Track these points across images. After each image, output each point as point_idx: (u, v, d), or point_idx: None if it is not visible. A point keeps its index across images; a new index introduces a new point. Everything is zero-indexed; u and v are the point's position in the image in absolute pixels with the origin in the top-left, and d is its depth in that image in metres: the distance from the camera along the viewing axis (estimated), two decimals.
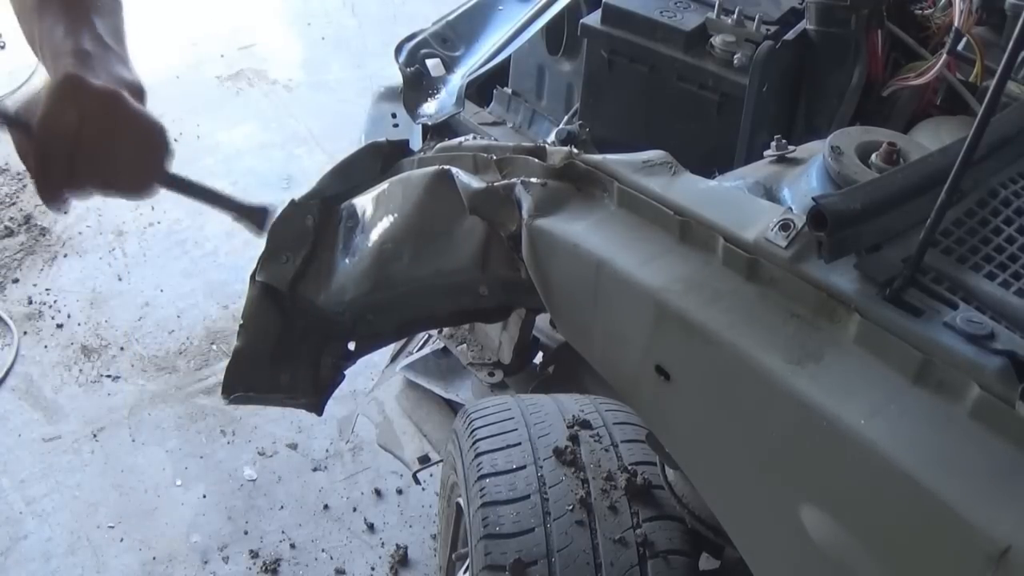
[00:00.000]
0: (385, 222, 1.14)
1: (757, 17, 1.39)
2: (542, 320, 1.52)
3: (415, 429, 1.74)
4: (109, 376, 2.32)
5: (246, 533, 1.98)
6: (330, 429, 2.19)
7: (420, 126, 1.59)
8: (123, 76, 0.87)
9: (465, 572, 1.34)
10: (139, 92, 0.88)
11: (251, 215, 1.16)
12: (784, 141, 1.09)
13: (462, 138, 1.22)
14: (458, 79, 1.61)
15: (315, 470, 2.12)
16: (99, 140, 0.81)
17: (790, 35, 1.38)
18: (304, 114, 3.32)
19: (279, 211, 1.19)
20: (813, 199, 0.71)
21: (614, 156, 0.94)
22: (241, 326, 1.20)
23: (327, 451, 2.16)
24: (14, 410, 2.23)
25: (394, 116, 1.68)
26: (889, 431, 0.64)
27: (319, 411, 1.29)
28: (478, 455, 1.22)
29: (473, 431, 1.26)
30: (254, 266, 1.20)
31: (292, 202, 1.20)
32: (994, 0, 1.27)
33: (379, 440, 1.80)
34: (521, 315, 1.46)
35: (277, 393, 1.23)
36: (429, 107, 1.60)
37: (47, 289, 2.55)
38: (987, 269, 0.75)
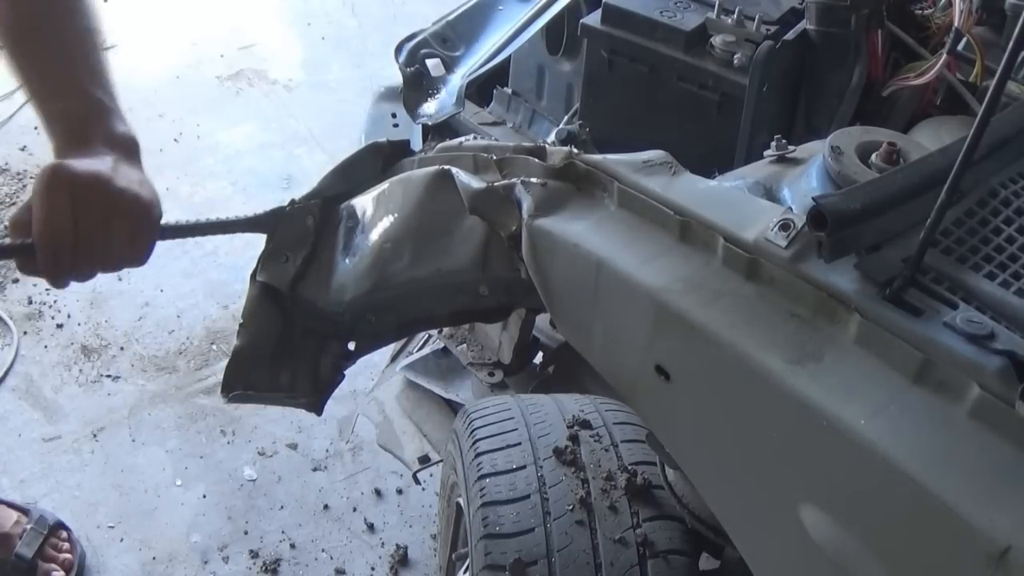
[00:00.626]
0: (385, 222, 1.14)
1: (757, 17, 1.39)
2: (542, 320, 1.52)
3: (415, 429, 1.74)
4: (109, 376, 2.32)
5: (246, 533, 1.98)
6: (330, 429, 2.19)
7: (420, 126, 1.59)
8: (116, 132, 0.89)
9: (465, 572, 1.34)
10: (132, 147, 0.91)
11: (260, 225, 1.17)
12: (784, 141, 1.09)
13: (462, 138, 1.22)
14: (458, 79, 1.62)
15: (315, 470, 2.12)
16: (94, 227, 0.84)
17: (790, 35, 1.38)
18: (304, 114, 3.32)
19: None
20: (813, 199, 0.71)
21: (614, 156, 0.94)
22: (241, 325, 1.20)
23: (327, 451, 2.16)
24: (14, 410, 2.23)
25: (394, 116, 1.68)
26: (889, 431, 0.64)
27: (319, 411, 1.28)
28: (478, 455, 1.22)
29: (473, 431, 1.26)
30: (254, 266, 1.20)
31: (292, 202, 1.20)
32: (994, 0, 1.28)
33: (379, 440, 1.80)
34: (521, 315, 1.46)
35: (277, 392, 1.23)
36: (429, 107, 1.60)
37: (47, 289, 2.55)
38: (987, 269, 0.75)
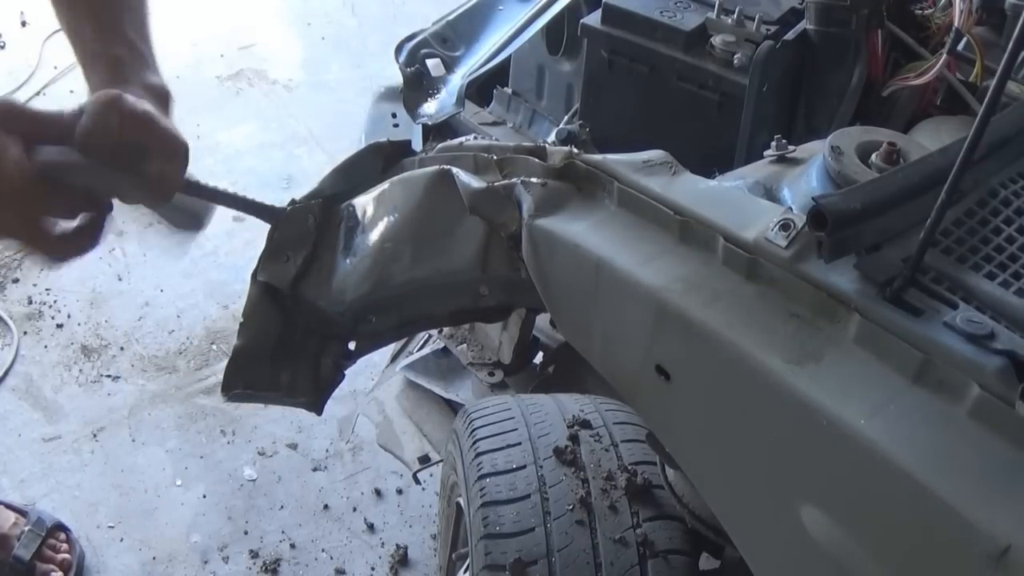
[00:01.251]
0: (385, 222, 1.14)
1: (757, 17, 1.39)
2: (542, 320, 1.52)
3: (415, 429, 1.74)
4: (109, 376, 2.32)
5: (246, 533, 1.98)
6: (330, 429, 2.19)
7: (420, 126, 1.59)
8: (151, 82, 0.93)
9: (465, 572, 1.34)
10: (166, 97, 0.95)
11: (274, 214, 1.17)
12: (784, 141, 1.09)
13: (463, 138, 1.22)
14: (458, 79, 1.61)
15: (315, 470, 2.12)
16: (132, 152, 0.87)
17: (790, 35, 1.38)
18: (304, 114, 3.32)
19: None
20: (813, 199, 0.71)
21: (614, 156, 0.94)
22: (241, 324, 1.20)
23: (327, 451, 2.16)
24: (14, 410, 2.23)
25: (394, 116, 1.68)
26: (889, 431, 0.64)
27: (318, 411, 1.28)
28: (478, 455, 1.22)
29: (473, 431, 1.27)
30: (255, 265, 1.20)
31: (293, 202, 1.20)
32: (994, 0, 1.28)
33: (379, 440, 1.80)
34: (521, 315, 1.46)
35: (276, 392, 1.22)
36: (429, 107, 1.60)
37: (47, 289, 2.55)
38: (987, 269, 0.75)
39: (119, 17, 0.94)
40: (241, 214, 1.18)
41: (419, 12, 2.77)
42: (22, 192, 0.82)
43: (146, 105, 0.89)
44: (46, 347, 2.39)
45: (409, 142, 1.29)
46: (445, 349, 1.68)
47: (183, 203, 1.02)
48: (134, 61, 0.93)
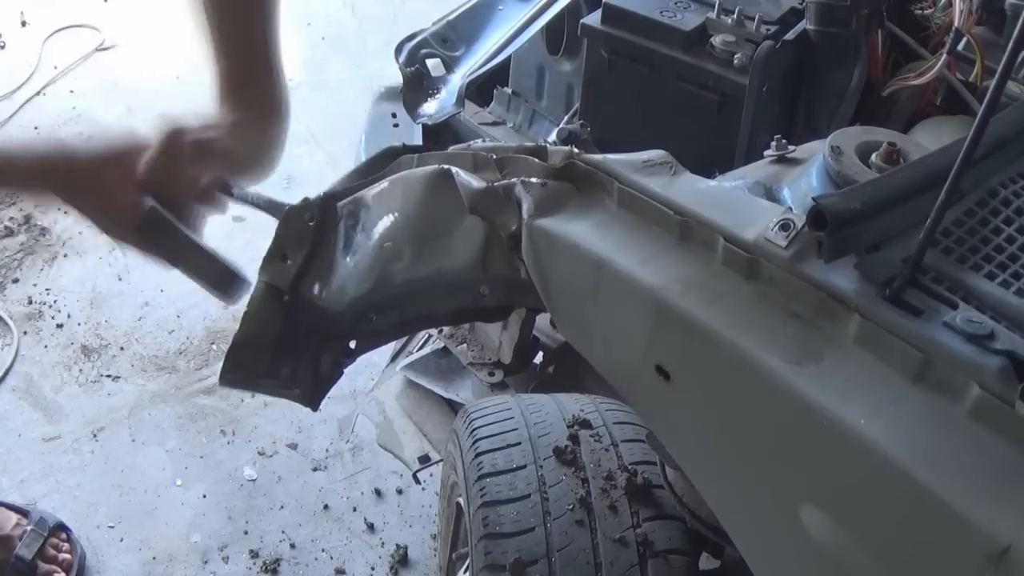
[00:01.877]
0: (385, 221, 1.14)
1: (757, 17, 1.39)
2: (542, 320, 1.52)
3: (415, 429, 1.74)
4: (109, 376, 2.32)
5: (246, 533, 1.98)
6: (330, 429, 2.19)
7: (420, 126, 1.59)
8: (263, 94, 1.07)
9: (465, 572, 1.34)
10: (264, 107, 1.07)
11: (279, 213, 1.18)
12: (784, 141, 1.09)
13: (472, 142, 1.22)
14: (458, 79, 1.62)
15: (315, 470, 2.12)
16: (181, 159, 1.01)
17: (790, 35, 1.38)
18: (304, 114, 3.32)
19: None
20: (813, 199, 0.71)
21: (614, 156, 0.94)
22: (244, 316, 1.19)
23: (327, 451, 2.16)
24: (14, 410, 2.23)
25: (394, 116, 1.69)
26: (889, 431, 0.64)
27: (314, 406, 1.28)
28: (478, 455, 1.22)
29: (473, 431, 1.27)
30: (259, 263, 1.20)
31: (303, 199, 1.20)
32: (994, 0, 1.28)
33: (379, 440, 1.80)
34: (521, 315, 1.46)
35: (274, 381, 1.22)
36: (429, 107, 1.60)
37: (47, 289, 2.55)
38: (987, 269, 0.75)
39: (239, 29, 1.08)
40: (240, 214, 1.19)
41: (419, 12, 2.77)
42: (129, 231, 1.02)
43: (205, 137, 1.01)
44: (46, 347, 2.39)
45: (422, 147, 1.29)
46: (445, 349, 1.67)
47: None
48: (246, 78, 1.06)
